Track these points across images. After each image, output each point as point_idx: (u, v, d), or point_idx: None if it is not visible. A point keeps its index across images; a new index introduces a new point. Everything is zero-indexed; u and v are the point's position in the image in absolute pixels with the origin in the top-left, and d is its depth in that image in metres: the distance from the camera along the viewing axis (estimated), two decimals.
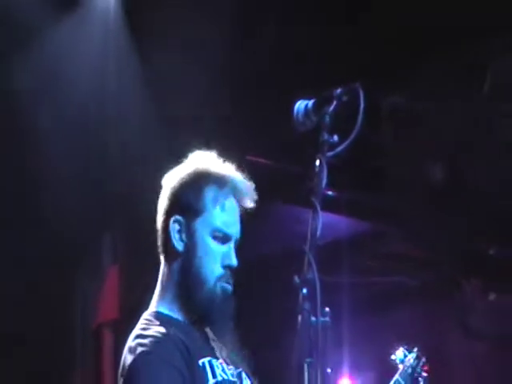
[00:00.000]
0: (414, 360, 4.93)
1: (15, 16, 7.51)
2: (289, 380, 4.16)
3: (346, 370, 7.17)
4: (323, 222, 3.62)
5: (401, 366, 4.86)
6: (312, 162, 3.86)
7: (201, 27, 7.08)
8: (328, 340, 3.60)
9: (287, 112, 3.95)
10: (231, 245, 4.34)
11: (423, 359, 4.94)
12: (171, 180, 4.45)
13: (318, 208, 3.59)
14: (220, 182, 4.38)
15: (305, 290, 3.51)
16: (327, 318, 3.57)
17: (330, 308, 3.51)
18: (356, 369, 7.21)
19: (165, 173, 4.49)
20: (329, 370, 3.69)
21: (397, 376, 4.80)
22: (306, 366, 3.65)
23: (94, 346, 7.22)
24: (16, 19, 7.52)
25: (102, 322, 6.95)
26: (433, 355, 5.02)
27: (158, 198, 4.43)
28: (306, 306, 3.53)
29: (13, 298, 7.25)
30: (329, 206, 3.67)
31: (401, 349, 4.94)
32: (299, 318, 3.66)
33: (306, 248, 3.56)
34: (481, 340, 8.10)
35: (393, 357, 4.89)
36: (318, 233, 3.54)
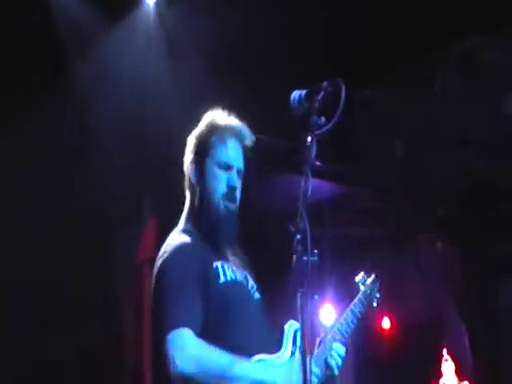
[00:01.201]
0: (372, 283, 4.99)
1: (74, 28, 7.47)
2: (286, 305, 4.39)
3: (328, 298, 7.25)
4: (311, 186, 3.86)
5: (362, 287, 4.92)
6: (304, 138, 4.04)
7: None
8: (315, 274, 3.78)
9: (285, 99, 4.14)
10: (234, 172, 4.53)
11: (378, 283, 5.01)
12: (191, 137, 4.72)
13: (309, 174, 3.77)
14: (223, 128, 4.60)
15: (298, 236, 3.70)
16: (315, 258, 3.75)
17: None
18: (335, 298, 7.29)
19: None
20: (316, 297, 3.85)
21: (359, 295, 4.87)
22: (299, 294, 3.81)
23: (138, 278, 7.14)
24: (75, 31, 7.46)
25: (143, 258, 7.00)
26: (390, 287, 5.08)
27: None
28: (299, 248, 3.72)
29: (68, 240, 7.22)
30: (315, 173, 3.79)
31: (361, 273, 5.01)
32: (294, 257, 3.83)
33: (300, 205, 3.76)
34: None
35: (356, 279, 4.98)
36: (309, 193, 3.72)
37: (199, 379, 4.18)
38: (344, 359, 4.53)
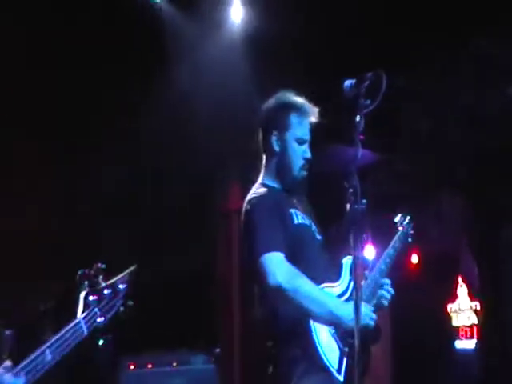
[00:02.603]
0: (407, 223, 4.87)
1: (179, 34, 7.44)
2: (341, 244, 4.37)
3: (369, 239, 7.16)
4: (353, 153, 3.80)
5: (400, 227, 4.82)
6: (354, 116, 4.01)
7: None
8: (363, 218, 3.75)
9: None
10: (307, 145, 4.53)
11: (412, 223, 4.90)
12: (268, 111, 4.65)
13: (359, 144, 3.76)
14: (299, 107, 4.55)
15: (351, 190, 3.68)
16: (363, 206, 3.73)
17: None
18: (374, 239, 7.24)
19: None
20: (366, 236, 3.83)
21: (398, 233, 4.79)
22: (352, 234, 3.79)
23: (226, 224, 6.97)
24: (179, 37, 7.43)
25: (230, 209, 6.91)
26: (417, 231, 5.01)
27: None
28: (352, 198, 3.70)
29: (181, 193, 7.16)
30: (361, 143, 3.77)
31: (399, 215, 4.88)
32: (347, 206, 3.83)
33: (352, 167, 3.73)
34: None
35: (395, 220, 4.86)
36: (358, 158, 3.73)
37: (291, 293, 4.17)
38: (391, 292, 4.49)
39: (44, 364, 2.70)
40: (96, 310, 2.84)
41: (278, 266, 4.14)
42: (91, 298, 2.84)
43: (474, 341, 8.29)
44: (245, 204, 4.44)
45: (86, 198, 7.18)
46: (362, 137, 3.97)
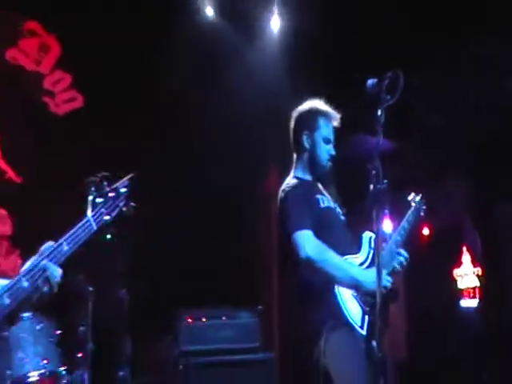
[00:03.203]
0: (419, 200, 4.84)
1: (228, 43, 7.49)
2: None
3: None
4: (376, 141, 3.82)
5: (413, 204, 4.79)
6: (375, 110, 3.98)
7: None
8: (385, 196, 3.74)
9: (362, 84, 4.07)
10: (331, 144, 4.64)
11: (423, 200, 4.87)
12: (297, 116, 4.75)
13: (381, 134, 3.79)
14: (325, 113, 4.67)
15: (374, 172, 3.72)
16: (385, 185, 3.73)
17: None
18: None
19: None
20: (386, 211, 3.82)
21: (412, 208, 4.76)
22: (375, 210, 3.79)
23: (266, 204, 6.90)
24: (228, 45, 7.48)
25: (269, 193, 6.83)
26: (428, 207, 4.97)
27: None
28: (374, 179, 3.71)
29: (228, 180, 7.10)
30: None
31: (412, 194, 4.86)
32: (371, 186, 3.83)
33: (374, 152, 3.78)
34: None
35: (408, 198, 4.84)
36: (380, 145, 3.79)
37: (319, 263, 4.30)
38: (406, 257, 4.54)
39: (63, 253, 2.75)
40: (103, 209, 2.88)
41: (307, 242, 4.26)
42: (98, 200, 2.86)
43: (476, 300, 8.27)
44: (280, 193, 4.54)
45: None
46: (382, 128, 4.01)
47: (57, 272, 2.70)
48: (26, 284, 2.65)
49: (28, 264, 2.71)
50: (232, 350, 6.33)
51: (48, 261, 2.71)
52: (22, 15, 7.11)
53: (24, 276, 2.66)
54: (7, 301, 2.64)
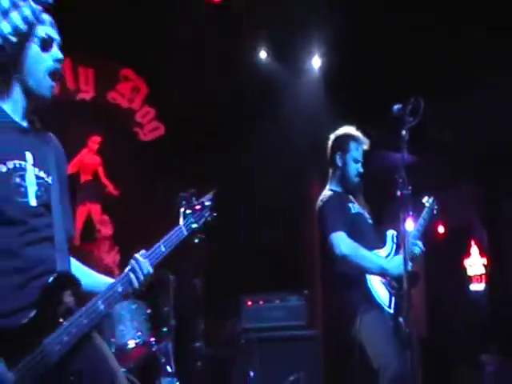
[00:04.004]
0: (432, 202, 4.69)
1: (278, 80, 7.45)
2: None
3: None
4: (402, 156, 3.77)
5: (427, 205, 4.65)
6: (400, 130, 3.92)
7: None
8: (409, 200, 3.73)
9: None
10: (360, 163, 4.57)
11: (435, 202, 4.71)
12: (335, 138, 4.70)
13: (405, 150, 3.74)
14: (356, 138, 4.63)
15: (400, 180, 3.76)
16: (409, 191, 3.72)
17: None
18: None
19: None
20: (410, 212, 3.75)
21: (426, 209, 4.64)
22: (402, 211, 3.76)
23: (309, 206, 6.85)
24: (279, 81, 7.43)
25: (312, 196, 6.75)
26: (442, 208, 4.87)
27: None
28: (401, 186, 3.67)
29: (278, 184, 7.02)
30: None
31: (425, 197, 4.71)
32: (398, 192, 3.77)
33: (401, 164, 3.74)
34: None
35: (423, 200, 4.68)
36: (405, 159, 3.73)
37: (352, 258, 4.29)
38: (421, 248, 4.47)
39: (160, 253, 2.72)
40: (191, 219, 2.84)
41: (341, 241, 4.25)
42: (187, 211, 2.83)
43: (483, 285, 8.09)
44: (318, 202, 4.51)
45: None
46: (406, 145, 3.93)
47: (146, 269, 2.65)
48: (120, 289, 2.62)
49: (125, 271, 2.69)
50: (283, 328, 6.29)
51: (147, 260, 2.69)
52: (119, 64, 7.26)
53: (119, 282, 2.64)
54: (120, 289, 2.63)
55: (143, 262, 2.64)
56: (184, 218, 2.82)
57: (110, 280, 2.68)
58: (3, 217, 2.22)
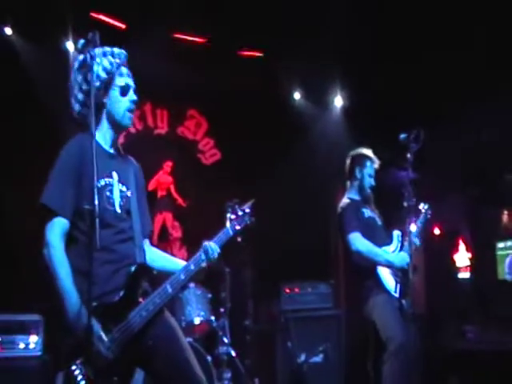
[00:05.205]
0: (428, 208, 4.53)
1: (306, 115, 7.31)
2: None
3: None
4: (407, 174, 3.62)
5: (423, 210, 4.46)
6: (406, 154, 3.78)
7: None
8: (413, 209, 3.57)
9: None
10: (373, 178, 4.49)
11: (430, 208, 4.56)
12: (353, 156, 4.58)
13: (410, 169, 3.61)
14: (370, 158, 4.53)
15: (406, 193, 3.55)
16: (413, 202, 3.64)
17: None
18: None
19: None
20: (414, 218, 3.59)
21: (423, 214, 4.52)
22: (407, 217, 3.60)
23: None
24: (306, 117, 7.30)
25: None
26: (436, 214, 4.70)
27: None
28: (407, 198, 3.50)
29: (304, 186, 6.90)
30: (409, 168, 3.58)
31: (421, 204, 4.52)
32: (404, 203, 3.59)
33: (407, 181, 3.57)
34: None
35: (419, 207, 4.50)
36: (410, 177, 3.53)
37: (365, 253, 4.15)
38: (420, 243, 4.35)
39: (211, 251, 2.69)
40: (235, 222, 2.80)
41: (357, 240, 4.14)
42: (232, 216, 2.80)
43: (468, 273, 7.82)
44: (338, 208, 4.40)
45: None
46: (410, 165, 3.79)
47: (216, 250, 2.68)
48: (192, 267, 2.65)
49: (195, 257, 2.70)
50: (314, 309, 6.23)
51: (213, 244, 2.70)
52: (186, 106, 7.23)
53: (192, 263, 2.67)
54: (182, 277, 2.62)
55: (213, 244, 2.67)
56: (230, 221, 2.80)
57: (183, 262, 2.72)
58: (102, 222, 2.25)
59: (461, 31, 5.63)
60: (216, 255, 2.63)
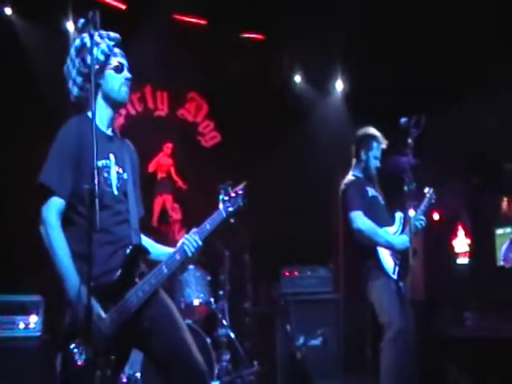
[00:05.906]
0: (432, 192, 4.45)
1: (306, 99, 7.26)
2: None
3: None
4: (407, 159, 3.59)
5: (427, 195, 4.40)
6: (407, 139, 3.75)
7: None
8: (414, 193, 3.55)
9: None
10: (378, 159, 4.38)
11: (434, 192, 4.48)
12: (359, 138, 4.44)
13: (411, 155, 3.55)
14: (377, 138, 4.38)
15: (406, 178, 3.53)
16: (414, 186, 3.59)
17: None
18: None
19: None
20: (414, 203, 3.58)
21: (427, 197, 4.41)
22: (407, 201, 3.58)
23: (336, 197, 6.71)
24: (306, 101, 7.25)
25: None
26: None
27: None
28: (407, 182, 3.48)
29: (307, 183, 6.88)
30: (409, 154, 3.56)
31: (426, 188, 4.45)
32: (405, 187, 3.57)
33: (407, 166, 3.54)
34: None
35: (425, 191, 4.44)
36: (410, 162, 3.55)
37: (366, 232, 4.14)
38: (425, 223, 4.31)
39: (206, 230, 2.74)
40: (228, 204, 2.79)
41: (358, 218, 4.06)
42: (225, 198, 2.79)
43: (467, 259, 7.83)
44: (342, 185, 4.29)
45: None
46: (411, 150, 3.76)
47: (194, 242, 2.69)
48: (178, 257, 2.69)
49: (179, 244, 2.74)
50: (313, 293, 6.21)
51: (197, 235, 2.71)
52: (186, 88, 7.21)
53: (177, 251, 2.70)
54: (178, 257, 2.67)
55: (193, 237, 2.67)
56: (223, 203, 2.78)
57: (171, 250, 2.73)
58: (100, 203, 2.22)
59: (463, 15, 5.58)
60: (194, 250, 2.66)
